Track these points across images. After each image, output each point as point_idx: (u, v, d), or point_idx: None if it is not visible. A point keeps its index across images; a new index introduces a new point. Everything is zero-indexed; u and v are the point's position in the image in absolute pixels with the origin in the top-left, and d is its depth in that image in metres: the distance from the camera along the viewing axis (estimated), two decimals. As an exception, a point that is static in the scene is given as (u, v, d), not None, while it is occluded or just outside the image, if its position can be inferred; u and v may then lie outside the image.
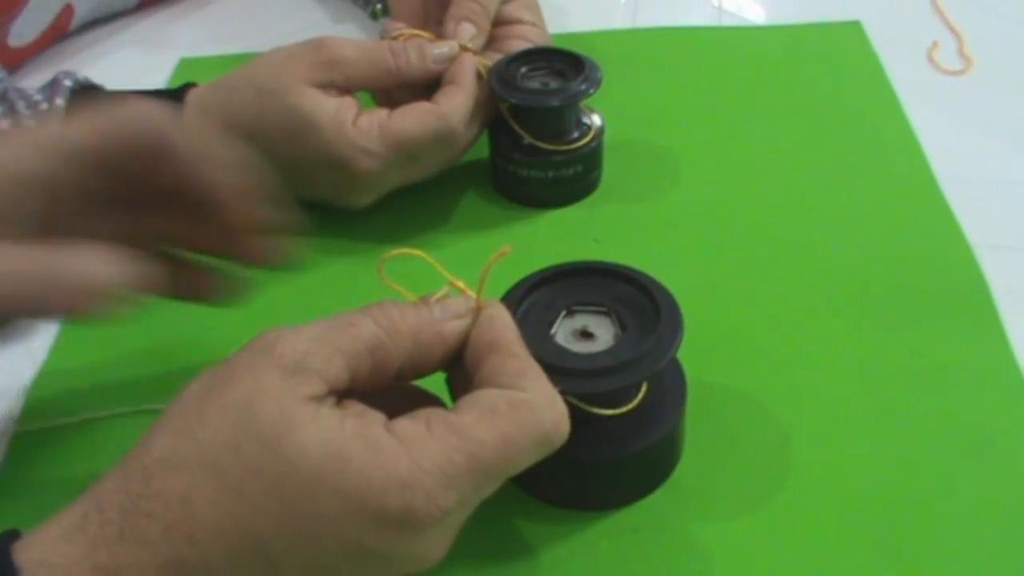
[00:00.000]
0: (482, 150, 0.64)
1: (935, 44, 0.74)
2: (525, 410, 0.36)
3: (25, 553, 0.33)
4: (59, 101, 0.55)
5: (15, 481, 0.48)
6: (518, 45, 0.63)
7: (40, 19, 0.76)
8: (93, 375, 0.52)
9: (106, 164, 0.42)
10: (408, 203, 0.61)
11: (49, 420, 0.50)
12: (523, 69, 0.60)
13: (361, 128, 0.54)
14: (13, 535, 0.34)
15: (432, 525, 0.35)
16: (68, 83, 0.55)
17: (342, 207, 0.59)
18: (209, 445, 0.34)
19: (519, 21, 0.65)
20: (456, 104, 0.56)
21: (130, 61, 0.77)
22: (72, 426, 0.50)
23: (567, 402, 0.38)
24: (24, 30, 0.74)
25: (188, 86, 0.57)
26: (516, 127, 0.60)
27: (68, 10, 0.78)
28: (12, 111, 0.54)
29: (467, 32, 0.59)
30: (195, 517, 0.33)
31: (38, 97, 0.55)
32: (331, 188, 0.57)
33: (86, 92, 0.57)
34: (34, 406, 0.51)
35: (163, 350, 0.50)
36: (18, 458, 0.49)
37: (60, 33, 0.78)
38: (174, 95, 0.56)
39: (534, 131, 0.60)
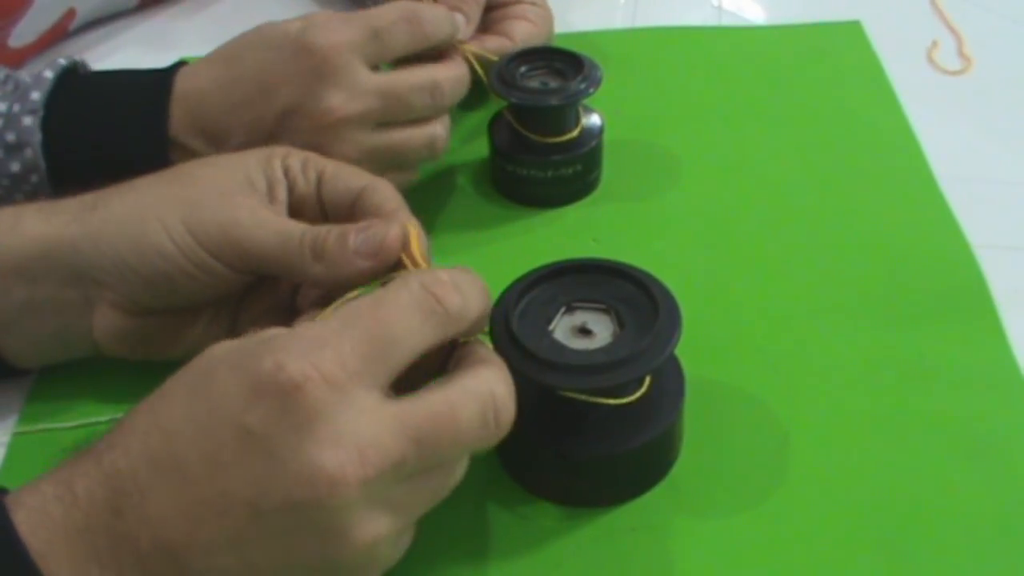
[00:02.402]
0: (482, 150, 0.64)
1: (935, 44, 0.74)
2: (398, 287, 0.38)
3: (8, 495, 0.36)
4: (47, 73, 0.54)
5: (13, 485, 0.48)
6: (518, 25, 0.63)
7: (42, 20, 0.76)
8: (93, 379, 0.52)
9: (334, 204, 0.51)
10: (408, 202, 0.61)
11: (48, 424, 0.50)
12: (523, 68, 0.60)
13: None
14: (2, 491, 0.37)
15: (319, 404, 0.34)
16: (61, 60, 0.55)
17: None
18: (162, 390, 0.37)
19: (519, 1, 0.65)
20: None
21: (130, 61, 0.77)
22: (71, 430, 0.50)
23: (567, 398, 0.38)
24: (25, 31, 0.74)
25: (179, 64, 0.56)
26: (516, 126, 0.60)
27: (70, 12, 0.78)
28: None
29: (458, 21, 0.59)
30: (131, 427, 0.36)
31: (26, 76, 0.55)
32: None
33: (75, 71, 0.57)
34: (33, 409, 0.51)
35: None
36: (16, 462, 0.49)
37: (60, 33, 0.79)
38: (163, 74, 0.55)
39: (534, 130, 0.60)
